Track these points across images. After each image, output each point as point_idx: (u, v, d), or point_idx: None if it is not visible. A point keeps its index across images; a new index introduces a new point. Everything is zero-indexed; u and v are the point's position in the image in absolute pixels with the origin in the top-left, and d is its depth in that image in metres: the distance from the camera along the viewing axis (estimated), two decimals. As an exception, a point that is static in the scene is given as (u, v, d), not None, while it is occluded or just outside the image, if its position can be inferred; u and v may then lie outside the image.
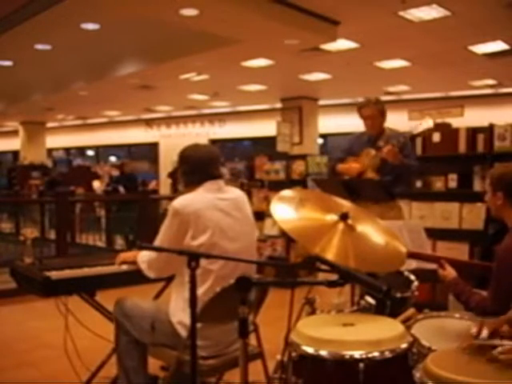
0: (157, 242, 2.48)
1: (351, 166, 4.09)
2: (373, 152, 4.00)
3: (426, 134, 3.98)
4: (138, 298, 2.71)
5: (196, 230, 2.38)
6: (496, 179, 2.32)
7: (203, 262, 2.23)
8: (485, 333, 1.64)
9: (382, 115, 4.11)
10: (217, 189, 2.51)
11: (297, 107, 12.61)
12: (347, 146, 4.30)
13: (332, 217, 2.12)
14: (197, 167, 2.52)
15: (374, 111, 4.07)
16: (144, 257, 2.57)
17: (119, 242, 9.34)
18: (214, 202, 2.45)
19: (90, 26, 7.52)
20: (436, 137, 4.91)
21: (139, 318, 2.56)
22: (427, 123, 3.89)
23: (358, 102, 4.34)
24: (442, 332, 2.09)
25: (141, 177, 14.45)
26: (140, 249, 2.62)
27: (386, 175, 3.97)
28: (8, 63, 9.73)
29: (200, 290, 2.31)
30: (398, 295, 2.33)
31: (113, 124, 18.27)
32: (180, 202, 2.42)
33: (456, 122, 5.13)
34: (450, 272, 2.37)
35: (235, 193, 2.62)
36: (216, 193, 2.50)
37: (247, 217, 2.59)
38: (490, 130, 4.64)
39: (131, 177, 10.48)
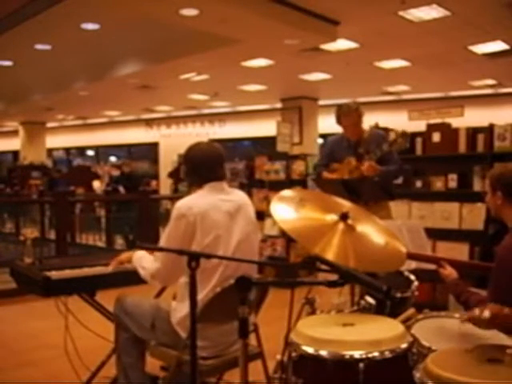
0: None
1: (334, 177, 4.03)
2: (353, 162, 3.93)
3: (399, 143, 3.72)
4: (139, 296, 2.71)
5: (203, 231, 2.36)
6: (495, 179, 2.32)
7: (208, 263, 2.23)
8: (486, 313, 1.62)
9: (361, 119, 4.02)
10: (220, 190, 2.50)
11: (297, 107, 12.60)
12: (328, 151, 4.23)
13: (332, 217, 2.13)
14: (201, 167, 2.51)
15: (355, 118, 3.98)
16: (142, 260, 2.53)
17: (119, 241, 9.34)
18: (218, 204, 2.44)
19: (90, 26, 7.53)
20: (436, 137, 4.91)
21: (140, 315, 2.56)
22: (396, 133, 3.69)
23: (337, 106, 4.11)
24: (442, 332, 2.08)
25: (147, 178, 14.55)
26: (139, 249, 2.62)
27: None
28: (8, 63, 9.73)
29: (204, 292, 2.31)
30: (398, 295, 2.34)
31: (113, 124, 18.26)
32: (184, 203, 2.41)
33: (456, 122, 5.12)
34: (451, 272, 2.37)
35: (238, 194, 2.62)
36: (219, 194, 2.49)
37: (250, 218, 2.58)
38: (489, 130, 4.64)
39: (131, 177, 10.48)
